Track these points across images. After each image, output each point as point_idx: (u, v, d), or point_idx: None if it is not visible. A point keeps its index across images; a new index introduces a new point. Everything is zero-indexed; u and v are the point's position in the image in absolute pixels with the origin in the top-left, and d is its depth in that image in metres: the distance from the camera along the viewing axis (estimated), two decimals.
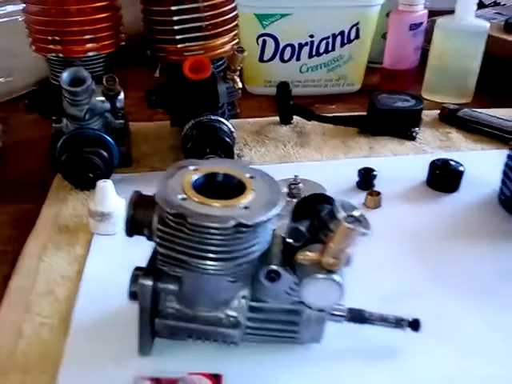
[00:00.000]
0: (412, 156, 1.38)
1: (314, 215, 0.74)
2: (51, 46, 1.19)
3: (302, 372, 0.80)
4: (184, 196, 0.71)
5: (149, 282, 0.75)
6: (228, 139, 1.22)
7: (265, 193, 0.74)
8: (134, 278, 0.77)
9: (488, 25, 1.61)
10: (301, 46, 1.67)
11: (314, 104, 1.67)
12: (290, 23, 1.63)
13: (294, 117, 1.54)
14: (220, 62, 1.30)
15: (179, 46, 1.23)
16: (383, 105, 1.45)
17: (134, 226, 0.75)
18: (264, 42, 1.66)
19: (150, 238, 0.75)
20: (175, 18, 1.20)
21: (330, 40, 1.67)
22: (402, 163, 1.34)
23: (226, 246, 0.70)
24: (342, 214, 0.67)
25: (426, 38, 1.74)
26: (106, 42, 1.21)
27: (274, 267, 0.74)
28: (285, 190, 1.13)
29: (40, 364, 0.80)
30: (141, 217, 0.74)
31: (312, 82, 1.74)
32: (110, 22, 1.21)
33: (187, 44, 1.23)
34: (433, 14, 1.72)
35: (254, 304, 0.78)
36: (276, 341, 0.81)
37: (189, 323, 0.78)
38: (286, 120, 1.53)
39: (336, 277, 0.70)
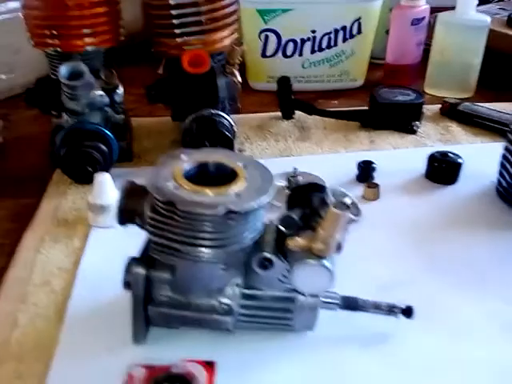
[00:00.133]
0: (412, 149, 1.38)
1: (307, 203, 0.74)
2: (49, 41, 1.19)
3: (296, 359, 0.80)
4: (175, 184, 0.71)
5: (141, 270, 0.75)
6: (228, 133, 1.22)
7: (256, 181, 0.74)
8: (128, 268, 0.77)
9: (489, 19, 1.61)
10: (303, 41, 1.67)
11: (317, 99, 1.67)
12: (292, 18, 1.63)
13: (296, 112, 1.54)
14: (220, 57, 1.30)
15: (179, 40, 1.23)
16: (384, 99, 1.45)
17: (126, 215, 0.75)
18: (266, 37, 1.66)
19: (142, 227, 0.75)
20: (174, 12, 1.20)
21: (332, 35, 1.67)
22: (401, 156, 1.34)
23: (218, 232, 0.71)
24: (331, 200, 0.67)
25: (429, 33, 1.73)
26: (105, 37, 1.21)
27: (266, 255, 0.74)
28: (284, 183, 1.12)
29: (34, 353, 0.81)
30: (133, 205, 0.75)
31: (314, 77, 1.74)
32: (109, 16, 1.21)
33: (187, 38, 1.23)
34: (436, 10, 1.71)
35: (247, 291, 0.78)
36: (269, 328, 0.82)
37: (182, 310, 0.78)
38: (287, 115, 1.53)
39: (326, 262, 0.70)
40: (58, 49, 1.19)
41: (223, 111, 1.27)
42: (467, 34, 1.61)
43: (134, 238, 0.79)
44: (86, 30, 1.18)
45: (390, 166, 1.25)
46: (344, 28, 1.66)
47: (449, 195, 1.18)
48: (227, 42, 1.27)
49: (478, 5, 1.67)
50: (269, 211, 0.77)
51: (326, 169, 1.18)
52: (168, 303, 0.79)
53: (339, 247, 0.74)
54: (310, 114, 1.51)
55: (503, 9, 1.93)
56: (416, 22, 1.68)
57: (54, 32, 1.17)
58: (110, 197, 1.04)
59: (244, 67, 1.69)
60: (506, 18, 1.80)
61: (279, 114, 1.54)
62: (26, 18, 1.21)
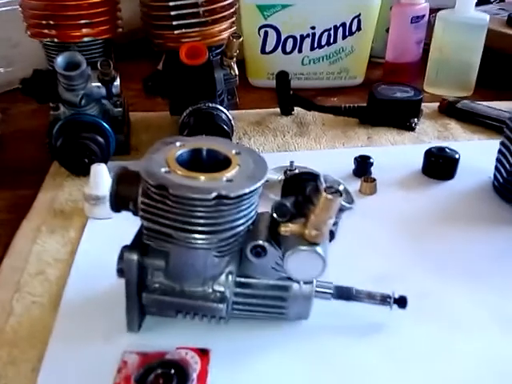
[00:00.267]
0: (409, 145, 1.38)
1: (300, 191, 0.74)
2: (46, 31, 1.19)
3: (290, 348, 0.81)
4: (167, 169, 0.71)
5: (134, 257, 0.75)
6: (226, 127, 1.22)
7: (249, 168, 0.74)
8: (121, 255, 0.77)
9: (488, 17, 1.61)
10: (302, 37, 1.67)
11: (316, 97, 1.67)
12: (292, 14, 1.64)
13: (295, 108, 1.54)
14: (218, 50, 1.30)
15: (176, 32, 1.23)
16: (383, 95, 1.45)
17: (119, 201, 0.75)
18: (266, 33, 1.66)
19: (135, 213, 0.75)
20: (171, 4, 1.20)
21: (332, 32, 1.67)
22: (399, 152, 1.34)
23: (210, 218, 0.71)
24: (322, 186, 0.67)
25: (429, 33, 1.73)
26: (103, 28, 1.22)
27: (259, 242, 0.74)
28: (281, 176, 1.13)
29: (29, 340, 0.81)
30: (125, 191, 0.75)
31: (314, 74, 1.74)
32: (107, 7, 1.21)
33: (184, 30, 1.23)
34: (436, 10, 1.71)
35: (241, 279, 0.78)
36: (264, 317, 0.82)
37: (176, 298, 0.78)
38: (286, 111, 1.53)
39: (318, 249, 0.70)
40: (55, 39, 1.19)
41: (221, 105, 1.27)
42: (466, 33, 1.61)
43: (130, 229, 0.79)
44: (83, 21, 1.18)
45: (388, 162, 1.26)
46: (343, 25, 1.66)
47: (445, 190, 1.19)
48: (225, 34, 1.27)
49: (478, 5, 1.67)
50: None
51: (323, 164, 1.16)
52: (162, 290, 0.79)
53: (332, 234, 0.74)
54: (309, 109, 1.51)
55: (503, 9, 1.94)
56: (415, 19, 1.68)
57: (51, 22, 1.17)
58: (106, 188, 1.04)
59: (243, 64, 1.69)
60: (505, 18, 1.80)
61: (278, 110, 1.54)
62: (22, 8, 1.22)
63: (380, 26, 1.76)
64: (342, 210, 0.73)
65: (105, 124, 1.18)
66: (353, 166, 1.23)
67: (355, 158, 1.22)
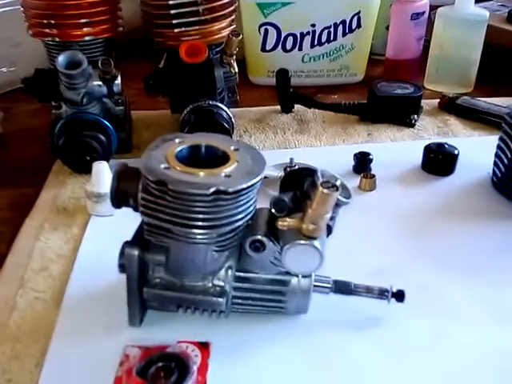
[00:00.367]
0: (409, 142, 1.39)
1: (298, 187, 0.75)
2: (47, 30, 1.20)
3: (289, 341, 0.82)
4: (167, 165, 0.72)
5: (135, 252, 0.76)
6: (226, 124, 1.23)
7: (248, 164, 0.75)
8: (123, 251, 0.78)
9: (487, 14, 1.61)
10: (302, 35, 1.68)
11: (317, 94, 1.68)
12: (292, 12, 1.64)
13: (295, 105, 1.54)
14: (218, 48, 1.31)
15: (176, 30, 1.24)
16: (382, 92, 1.46)
17: (119, 197, 0.76)
18: (266, 31, 1.67)
19: (135, 209, 0.76)
20: (171, 2, 1.21)
21: (332, 29, 1.67)
22: (398, 148, 1.35)
23: (209, 213, 0.72)
24: (319, 181, 0.68)
25: (429, 29, 1.74)
26: (103, 27, 1.22)
27: (258, 237, 0.75)
28: (281, 173, 1.13)
29: (32, 334, 0.82)
30: (125, 187, 0.76)
31: (314, 72, 1.74)
32: (107, 5, 1.22)
33: (184, 29, 1.24)
34: (436, 7, 1.71)
35: (240, 274, 0.79)
36: (263, 311, 0.83)
37: (176, 292, 0.79)
38: (286, 108, 1.54)
39: (316, 243, 0.71)
40: (56, 38, 1.20)
41: (222, 103, 1.28)
42: (466, 29, 1.62)
43: (131, 226, 0.80)
44: (83, 20, 1.19)
45: (387, 158, 1.26)
46: (343, 22, 1.66)
47: (445, 186, 1.19)
48: (225, 32, 1.28)
49: (479, 1, 1.68)
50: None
51: (323, 160, 1.16)
52: (162, 285, 0.80)
53: (329, 229, 0.75)
54: (309, 107, 1.52)
55: (504, 5, 1.94)
56: (415, 16, 1.69)
57: (52, 21, 1.18)
58: (107, 185, 1.04)
59: (244, 62, 1.70)
60: (506, 15, 1.80)
61: (279, 107, 1.55)
62: (24, 7, 1.23)
63: (380, 24, 1.76)
64: (338, 204, 0.74)
65: (106, 122, 1.19)
66: (353, 163, 1.23)
67: (355, 155, 1.22)
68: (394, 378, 0.77)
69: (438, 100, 1.57)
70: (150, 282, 0.79)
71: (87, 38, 1.21)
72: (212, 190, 0.68)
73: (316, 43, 1.69)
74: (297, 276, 0.79)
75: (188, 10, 1.22)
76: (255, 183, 0.72)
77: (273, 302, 0.81)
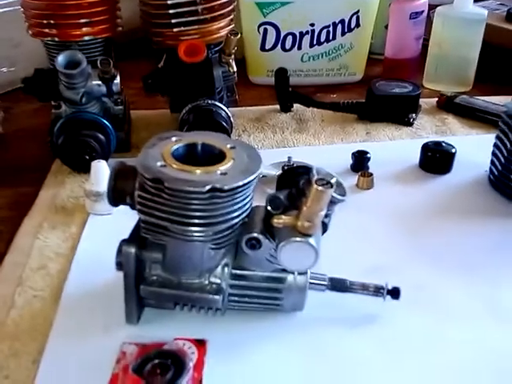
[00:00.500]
0: (407, 140, 1.39)
1: (294, 184, 0.75)
2: (47, 30, 1.21)
3: (285, 339, 0.82)
4: (163, 163, 0.73)
5: (132, 250, 0.76)
6: (225, 124, 1.23)
7: (244, 162, 0.76)
8: (120, 249, 0.78)
9: (486, 13, 1.62)
10: (302, 34, 1.68)
11: (316, 93, 1.68)
12: (291, 11, 1.65)
13: (295, 105, 1.55)
14: (217, 47, 1.31)
15: (175, 30, 1.25)
16: (381, 91, 1.46)
17: (117, 195, 0.77)
18: (265, 30, 1.67)
19: (133, 207, 0.77)
20: (170, 2, 1.22)
21: (331, 28, 1.68)
22: (396, 147, 1.36)
23: (205, 211, 0.72)
24: (314, 178, 0.68)
25: (428, 29, 1.74)
26: (102, 26, 1.23)
27: (254, 235, 0.75)
28: (279, 172, 1.14)
29: (30, 332, 0.83)
30: (122, 185, 0.76)
31: (313, 71, 1.75)
32: (107, 5, 1.23)
33: (183, 28, 1.24)
34: (435, 6, 1.72)
35: (236, 271, 0.80)
36: (260, 308, 0.83)
37: (173, 290, 0.79)
38: (285, 108, 1.54)
39: (311, 240, 0.71)
40: (56, 38, 1.21)
41: (221, 102, 1.28)
42: (465, 28, 1.62)
43: (130, 224, 0.81)
44: (83, 20, 1.20)
45: (385, 157, 1.27)
46: (342, 21, 1.67)
47: (442, 184, 1.20)
48: (223, 32, 1.28)
49: (479, 0, 1.68)
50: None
51: (322, 159, 1.17)
52: (159, 282, 0.80)
53: (325, 226, 0.76)
54: (308, 106, 1.52)
55: (503, 4, 1.94)
56: (414, 15, 1.69)
57: (52, 22, 1.19)
58: (106, 184, 1.05)
59: (243, 61, 1.70)
60: (505, 14, 1.80)
61: (278, 106, 1.55)
62: (23, 8, 1.23)
63: (379, 23, 1.77)
64: (333, 202, 0.74)
65: (105, 121, 1.19)
66: (351, 161, 1.23)
67: (353, 154, 1.23)
68: (389, 375, 0.77)
69: (437, 99, 1.57)
70: (146, 279, 0.80)
71: (86, 38, 1.22)
72: (208, 187, 0.69)
73: (315, 42, 1.69)
74: (293, 273, 0.80)
75: (187, 9, 1.22)
76: (251, 181, 0.72)
77: (269, 300, 0.82)
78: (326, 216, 0.75)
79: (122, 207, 0.79)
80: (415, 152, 1.26)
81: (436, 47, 1.67)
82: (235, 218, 0.75)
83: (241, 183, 0.71)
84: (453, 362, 0.79)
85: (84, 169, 1.16)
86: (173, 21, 1.23)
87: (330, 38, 1.69)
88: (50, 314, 0.86)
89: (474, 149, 1.28)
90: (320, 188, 0.67)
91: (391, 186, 1.18)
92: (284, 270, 0.79)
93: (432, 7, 1.72)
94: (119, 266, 0.79)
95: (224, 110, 1.26)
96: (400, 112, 1.45)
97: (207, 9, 1.24)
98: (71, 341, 0.81)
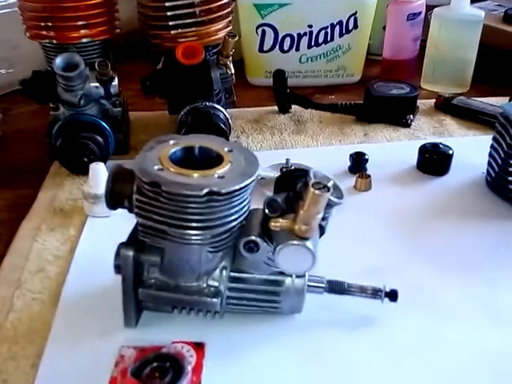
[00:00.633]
0: (405, 142, 1.40)
1: (292, 188, 0.76)
2: (45, 33, 1.21)
3: (283, 341, 0.82)
4: (160, 166, 0.73)
5: (130, 253, 0.77)
6: (223, 125, 1.23)
7: (241, 165, 0.76)
8: (118, 252, 0.79)
9: (483, 14, 1.62)
10: (300, 36, 1.69)
11: (314, 95, 1.68)
12: (289, 13, 1.65)
13: (293, 106, 1.55)
14: (215, 49, 1.31)
15: (173, 32, 1.25)
16: (378, 92, 1.47)
17: (114, 198, 0.77)
18: (263, 32, 1.67)
19: (130, 210, 0.77)
20: (168, 4, 1.22)
21: (329, 30, 1.68)
22: (394, 149, 1.36)
23: (202, 214, 0.72)
24: (311, 182, 0.68)
25: (425, 30, 1.75)
26: (100, 29, 1.24)
27: (252, 238, 0.76)
28: (277, 173, 1.14)
29: (28, 336, 0.83)
30: (120, 188, 0.76)
31: (312, 72, 1.75)
32: (104, 8, 1.23)
33: (180, 30, 1.24)
34: (433, 7, 1.72)
35: (234, 274, 0.80)
36: (258, 311, 0.83)
37: (171, 293, 0.80)
38: (284, 109, 1.54)
39: (308, 243, 0.71)
40: (54, 41, 1.21)
41: (219, 104, 1.28)
42: (462, 29, 1.63)
43: (128, 227, 0.81)
44: (81, 22, 1.20)
45: (383, 158, 1.27)
46: (340, 23, 1.67)
47: (439, 186, 1.20)
48: (221, 34, 1.29)
49: (476, 1, 1.69)
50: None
51: (319, 161, 1.17)
52: (157, 286, 0.80)
53: (322, 229, 0.76)
54: (306, 107, 1.53)
55: (500, 5, 1.95)
56: (412, 17, 1.69)
57: (50, 24, 1.19)
58: (104, 186, 1.05)
59: (242, 62, 1.71)
60: (502, 15, 1.81)
61: (276, 108, 1.55)
62: (21, 10, 1.23)
63: (377, 24, 1.77)
64: (330, 205, 0.74)
65: (104, 124, 1.20)
66: (349, 163, 1.24)
67: (351, 155, 1.23)
68: (387, 378, 0.77)
69: (434, 100, 1.57)
70: (145, 282, 0.80)
71: (84, 40, 1.23)
72: (205, 191, 0.69)
73: (313, 44, 1.70)
74: (291, 276, 0.80)
75: (185, 11, 1.23)
76: (248, 184, 0.73)
77: (267, 302, 0.82)
78: (324, 219, 0.75)
79: (119, 210, 0.79)
80: (413, 153, 1.26)
81: (433, 48, 1.67)
82: (233, 222, 0.75)
83: (238, 187, 0.71)
84: (450, 363, 0.79)
85: (82, 171, 1.16)
86: (170, 23, 1.24)
87: (328, 39, 1.69)
88: (49, 317, 0.86)
89: (472, 150, 1.28)
90: (317, 192, 0.67)
91: (389, 188, 1.18)
92: (282, 273, 0.79)
93: (430, 8, 1.72)
94: (117, 269, 0.79)
95: (222, 112, 1.26)
96: (398, 113, 1.45)
97: (205, 11, 1.24)
98: (70, 344, 0.81)
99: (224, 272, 0.79)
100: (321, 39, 1.69)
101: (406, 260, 0.98)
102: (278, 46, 1.69)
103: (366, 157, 1.22)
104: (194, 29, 1.24)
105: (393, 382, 0.77)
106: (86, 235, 1.03)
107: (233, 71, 1.29)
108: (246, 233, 0.76)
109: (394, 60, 1.77)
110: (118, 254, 0.78)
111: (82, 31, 1.21)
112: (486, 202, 1.14)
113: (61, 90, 1.18)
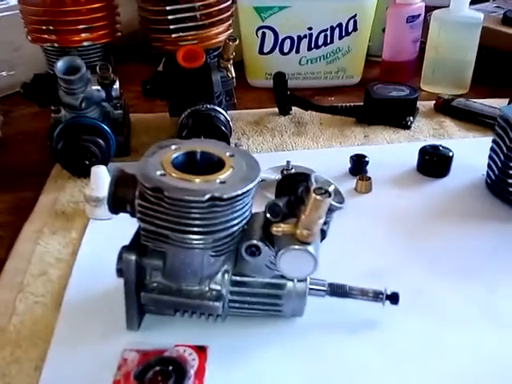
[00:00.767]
0: (405, 144, 1.40)
1: (293, 192, 0.76)
2: (46, 36, 1.21)
3: (285, 344, 0.82)
4: (163, 172, 0.73)
5: (132, 257, 0.77)
6: (223, 128, 1.24)
7: (243, 170, 0.76)
8: (120, 255, 0.79)
9: (482, 16, 1.62)
10: (300, 38, 1.69)
11: (314, 96, 1.69)
12: (289, 15, 1.66)
13: (293, 108, 1.55)
14: (215, 53, 1.32)
15: (173, 35, 1.25)
16: (378, 94, 1.47)
17: (116, 203, 0.77)
18: (263, 34, 1.68)
19: (133, 215, 0.77)
20: (169, 8, 1.22)
21: (329, 32, 1.69)
22: (394, 150, 1.36)
23: (204, 219, 0.73)
24: (312, 187, 0.69)
25: (425, 32, 1.75)
26: (102, 32, 1.24)
27: (254, 242, 0.76)
28: (278, 176, 1.14)
29: (31, 339, 0.83)
30: (122, 193, 0.77)
31: (312, 74, 1.76)
32: (105, 11, 1.23)
33: (181, 34, 1.25)
34: (433, 8, 1.72)
35: (236, 278, 0.80)
36: (260, 314, 0.84)
37: (173, 296, 0.80)
38: (284, 111, 1.55)
39: (310, 248, 0.72)
40: (55, 44, 1.21)
41: (219, 106, 1.29)
42: (461, 31, 1.63)
43: (130, 230, 0.81)
44: (82, 26, 1.20)
45: (383, 160, 1.27)
46: (340, 25, 1.68)
47: (439, 188, 1.20)
48: (222, 37, 1.29)
49: (475, 3, 1.69)
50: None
51: (320, 162, 1.20)
52: (160, 289, 0.81)
53: (323, 233, 0.76)
54: (306, 109, 1.53)
55: (499, 7, 1.95)
56: (411, 19, 1.70)
57: (51, 27, 1.20)
58: (106, 189, 1.05)
59: (242, 64, 1.71)
60: (501, 16, 1.81)
61: (276, 109, 1.56)
62: (22, 14, 1.24)
63: (376, 26, 1.77)
64: (332, 209, 0.75)
65: (105, 126, 1.20)
66: (349, 165, 1.24)
67: (351, 157, 1.23)
68: (388, 380, 0.78)
69: (434, 102, 1.58)
70: (147, 286, 0.80)
71: (86, 44, 1.23)
72: (207, 196, 0.69)
73: (313, 46, 1.70)
74: (292, 280, 0.80)
75: (185, 15, 1.23)
76: (250, 189, 0.73)
77: (269, 306, 0.82)
78: (325, 223, 0.75)
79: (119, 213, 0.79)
80: (413, 155, 1.26)
81: (433, 50, 1.67)
82: (235, 226, 0.75)
83: (240, 192, 0.71)
84: (451, 366, 0.79)
85: (84, 174, 1.17)
86: (171, 26, 1.24)
87: (328, 41, 1.69)
88: (52, 320, 0.86)
89: (471, 152, 1.28)
90: (318, 197, 0.68)
91: (389, 190, 1.19)
92: (284, 277, 0.79)
93: (429, 9, 1.72)
94: (120, 272, 0.80)
95: (223, 114, 1.26)
96: (398, 115, 1.46)
97: (205, 14, 1.25)
98: (73, 347, 0.81)
99: (226, 276, 0.80)
100: (321, 41, 1.69)
101: (407, 262, 0.98)
102: (278, 48, 1.70)
103: (367, 159, 1.22)
104: (194, 32, 1.24)
105: None
106: (88, 238, 1.03)
107: (233, 74, 1.29)
108: (248, 237, 0.77)
109: (394, 62, 1.77)
110: (120, 258, 0.79)
111: (84, 35, 1.21)
112: (486, 205, 1.14)
113: (62, 93, 1.18)
